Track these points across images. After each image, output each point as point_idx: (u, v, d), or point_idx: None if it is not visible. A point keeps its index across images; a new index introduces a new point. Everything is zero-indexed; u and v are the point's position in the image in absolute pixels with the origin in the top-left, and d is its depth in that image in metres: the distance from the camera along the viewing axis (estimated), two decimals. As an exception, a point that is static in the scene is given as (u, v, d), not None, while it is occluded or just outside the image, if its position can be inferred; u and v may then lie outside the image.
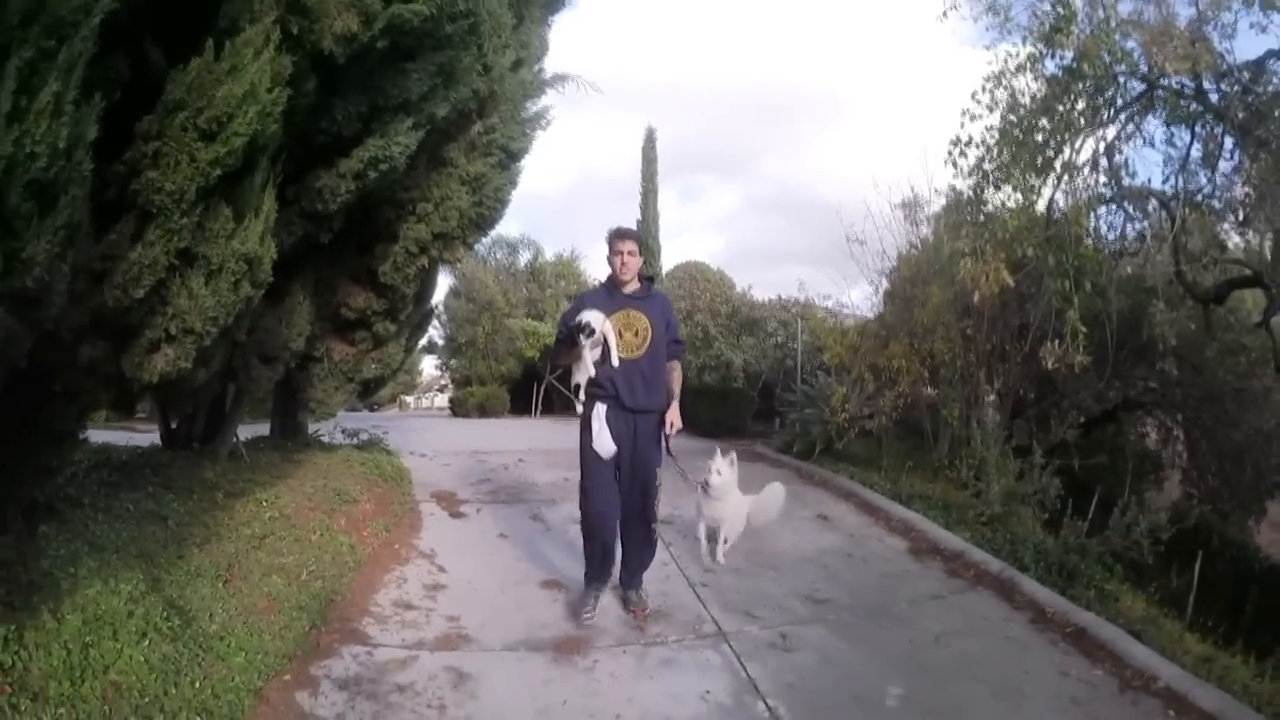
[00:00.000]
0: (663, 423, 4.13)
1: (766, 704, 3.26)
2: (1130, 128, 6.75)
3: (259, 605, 3.59)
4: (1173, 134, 6.88)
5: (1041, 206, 6.40)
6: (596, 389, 4.06)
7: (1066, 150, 6.23)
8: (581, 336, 3.89)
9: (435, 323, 18.52)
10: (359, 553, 4.74)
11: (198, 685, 2.83)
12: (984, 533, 5.58)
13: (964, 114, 6.46)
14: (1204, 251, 7.35)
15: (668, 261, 19.01)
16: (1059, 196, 6.38)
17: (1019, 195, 6.22)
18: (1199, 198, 6.76)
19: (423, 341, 11.83)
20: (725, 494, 4.94)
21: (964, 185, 6.79)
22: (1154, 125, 6.89)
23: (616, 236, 4.15)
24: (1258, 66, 6.07)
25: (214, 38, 2.87)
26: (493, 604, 4.27)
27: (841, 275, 11.09)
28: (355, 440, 7.96)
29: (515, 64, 6.04)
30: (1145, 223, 7.49)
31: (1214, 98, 6.27)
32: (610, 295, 4.17)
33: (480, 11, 4.13)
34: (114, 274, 2.74)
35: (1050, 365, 5.71)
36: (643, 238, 4.20)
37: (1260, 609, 6.33)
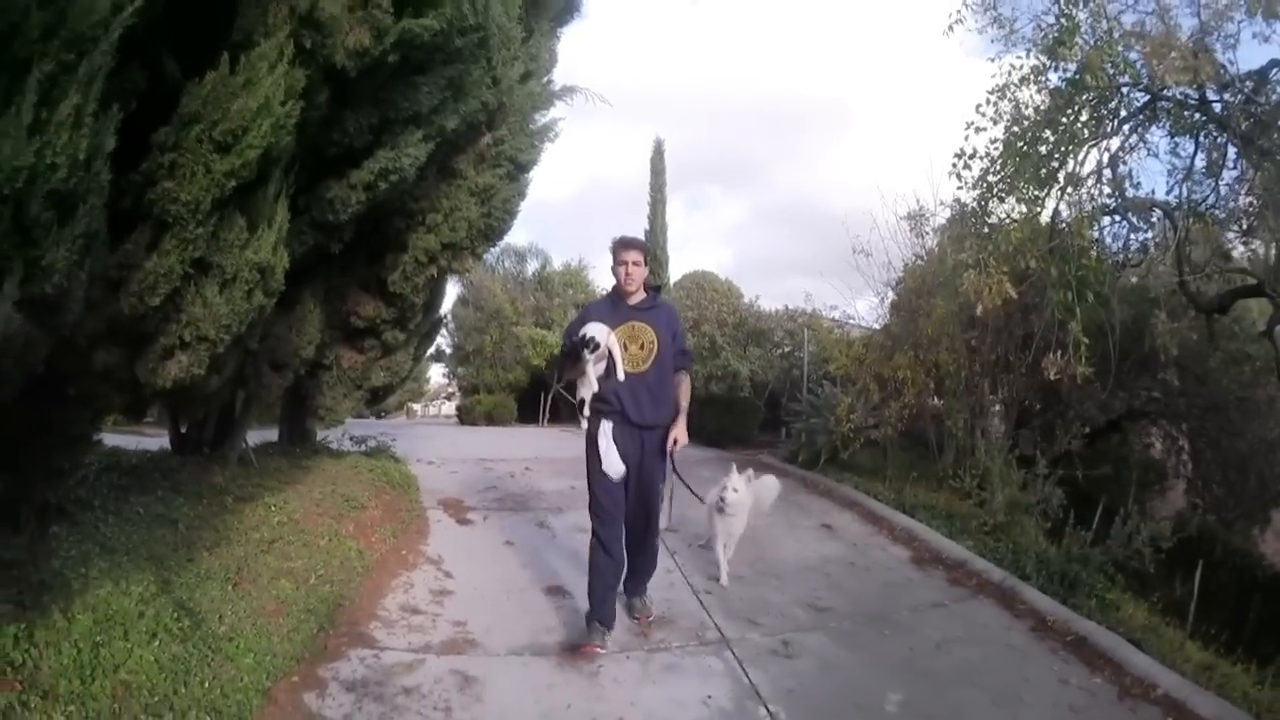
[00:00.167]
0: (668, 438, 4.00)
1: (768, 709, 3.30)
2: (1134, 139, 6.77)
3: (268, 608, 3.65)
4: (1177, 144, 6.90)
5: (1045, 218, 6.44)
6: (602, 404, 3.92)
7: (1070, 162, 6.26)
8: (586, 351, 3.77)
9: (443, 331, 18.59)
10: (367, 558, 4.79)
11: (207, 685, 2.89)
12: (987, 542, 5.62)
13: (968, 126, 6.52)
14: (1208, 261, 7.36)
15: (675, 272, 19.06)
16: (1063, 208, 6.41)
17: (1023, 207, 6.27)
18: (1203, 208, 6.77)
19: (430, 350, 11.89)
20: (740, 511, 4.87)
21: (968, 197, 6.86)
22: (1158, 136, 6.91)
23: (621, 246, 3.99)
24: (1260, 76, 6.07)
25: (229, 51, 2.94)
26: (498, 609, 4.32)
27: (848, 286, 11.17)
28: (363, 447, 8.02)
29: (524, 76, 6.11)
30: (1149, 233, 7.50)
31: (1218, 108, 6.30)
32: (615, 307, 4.04)
33: (489, 25, 4.20)
34: (130, 282, 2.81)
35: (1053, 376, 5.73)
36: (648, 247, 4.10)
37: (1263, 617, 6.34)
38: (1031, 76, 6.33)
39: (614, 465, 3.85)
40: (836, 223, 22.88)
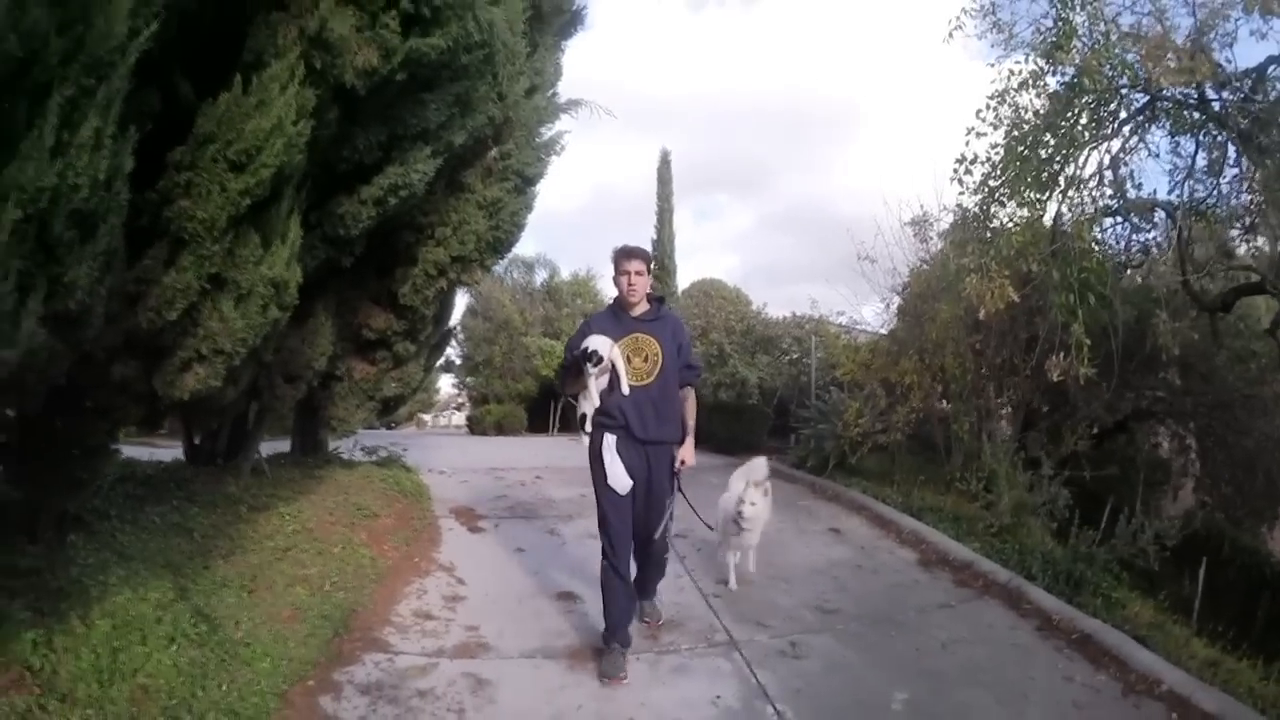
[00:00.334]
0: (675, 457, 3.88)
1: (775, 708, 3.35)
2: (1134, 140, 6.77)
3: (283, 614, 3.73)
4: (1178, 144, 6.92)
5: (1046, 221, 6.48)
6: (605, 418, 3.79)
7: (1071, 165, 6.30)
8: (589, 365, 3.65)
9: (453, 341, 18.74)
10: (380, 565, 4.87)
11: (224, 688, 2.96)
12: (993, 544, 5.65)
13: (969, 131, 6.57)
14: (1211, 260, 7.37)
15: (684, 280, 19.20)
16: (1064, 211, 6.45)
17: (1024, 211, 6.32)
18: (1204, 207, 6.79)
19: (440, 360, 12.00)
20: (757, 525, 4.78)
21: (970, 202, 6.91)
22: (1159, 136, 6.92)
23: (622, 255, 3.84)
24: (1259, 74, 6.07)
25: (240, 71, 3.04)
26: (510, 614, 4.38)
27: (853, 293, 11.21)
28: (374, 457, 8.10)
29: (529, 90, 6.22)
30: (1152, 233, 7.53)
31: (1217, 106, 6.32)
32: (617, 318, 3.88)
33: (494, 42, 4.28)
34: (148, 297, 2.90)
35: (1055, 378, 5.78)
36: (651, 255, 4.01)
37: (1271, 615, 6.33)
38: (1030, 81, 6.38)
39: (619, 479, 3.73)
40: (845, 228, 22.90)
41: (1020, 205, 6.38)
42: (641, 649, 3.91)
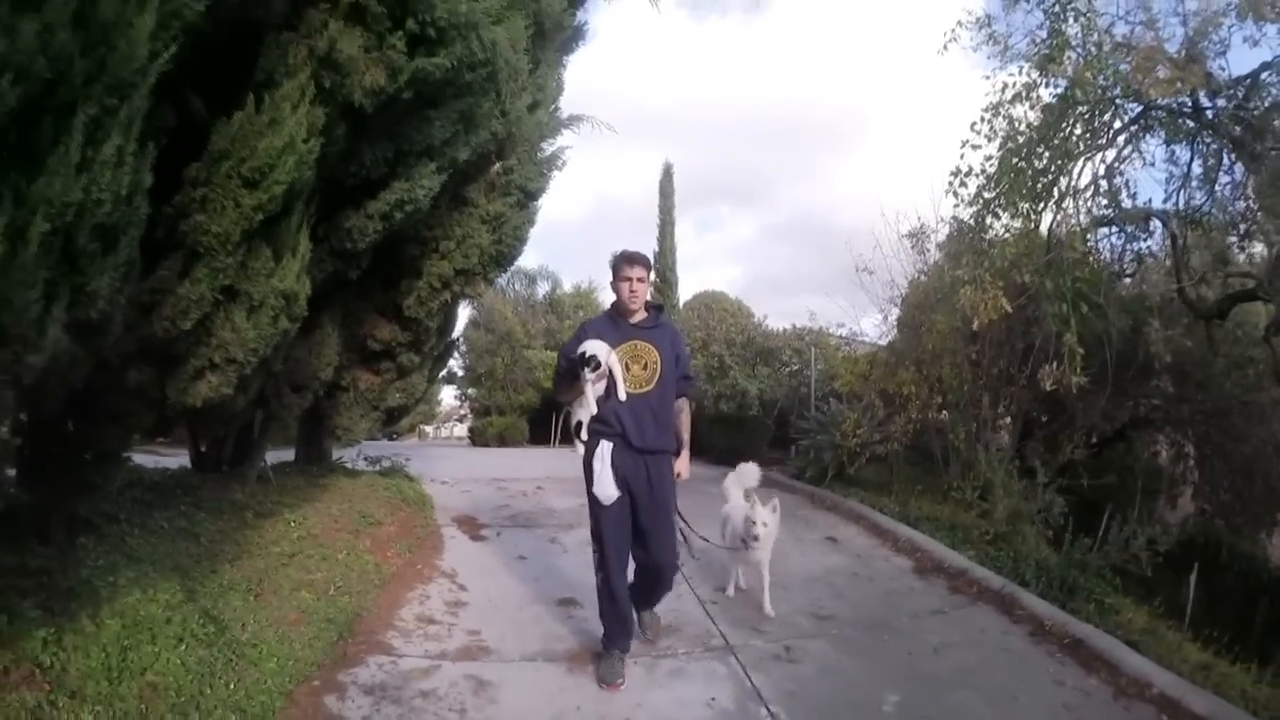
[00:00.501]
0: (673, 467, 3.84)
1: (769, 710, 3.43)
2: (1129, 150, 6.85)
3: (289, 617, 3.81)
4: (1173, 152, 7.00)
5: (1042, 232, 6.56)
6: (601, 426, 3.71)
7: (1065, 177, 6.40)
8: (587, 370, 3.56)
9: (455, 353, 18.84)
10: (384, 571, 4.95)
11: (232, 687, 3.04)
12: (988, 551, 5.72)
13: (963, 144, 6.68)
14: (1207, 267, 7.43)
15: (685, 292, 19.29)
16: (1058, 221, 6.53)
17: (1018, 222, 6.41)
18: (1200, 214, 6.85)
19: (443, 372, 12.12)
20: (768, 543, 4.66)
21: (965, 214, 7.01)
22: (1154, 144, 7.01)
23: (623, 261, 3.78)
24: (1253, 80, 6.14)
25: (253, 90, 3.15)
26: (511, 619, 4.46)
27: (852, 305, 11.29)
28: (378, 467, 8.20)
29: (532, 106, 6.34)
30: (1148, 242, 7.60)
31: (1210, 114, 6.40)
32: (615, 325, 3.81)
33: (497, 61, 4.37)
34: (163, 306, 3.00)
35: (1048, 386, 5.86)
36: (652, 263, 3.92)
37: (1269, 620, 6.37)
38: (1024, 93, 6.48)
39: (605, 487, 3.65)
40: (846, 239, 23.00)
41: (1014, 217, 6.48)
42: (639, 652, 3.98)
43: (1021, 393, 7.32)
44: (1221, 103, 6.25)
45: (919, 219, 9.92)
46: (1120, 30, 6.47)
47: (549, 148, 7.12)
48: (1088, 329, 6.14)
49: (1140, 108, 6.43)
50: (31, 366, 2.18)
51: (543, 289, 23.59)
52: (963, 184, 6.77)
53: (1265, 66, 6.01)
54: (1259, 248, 7.37)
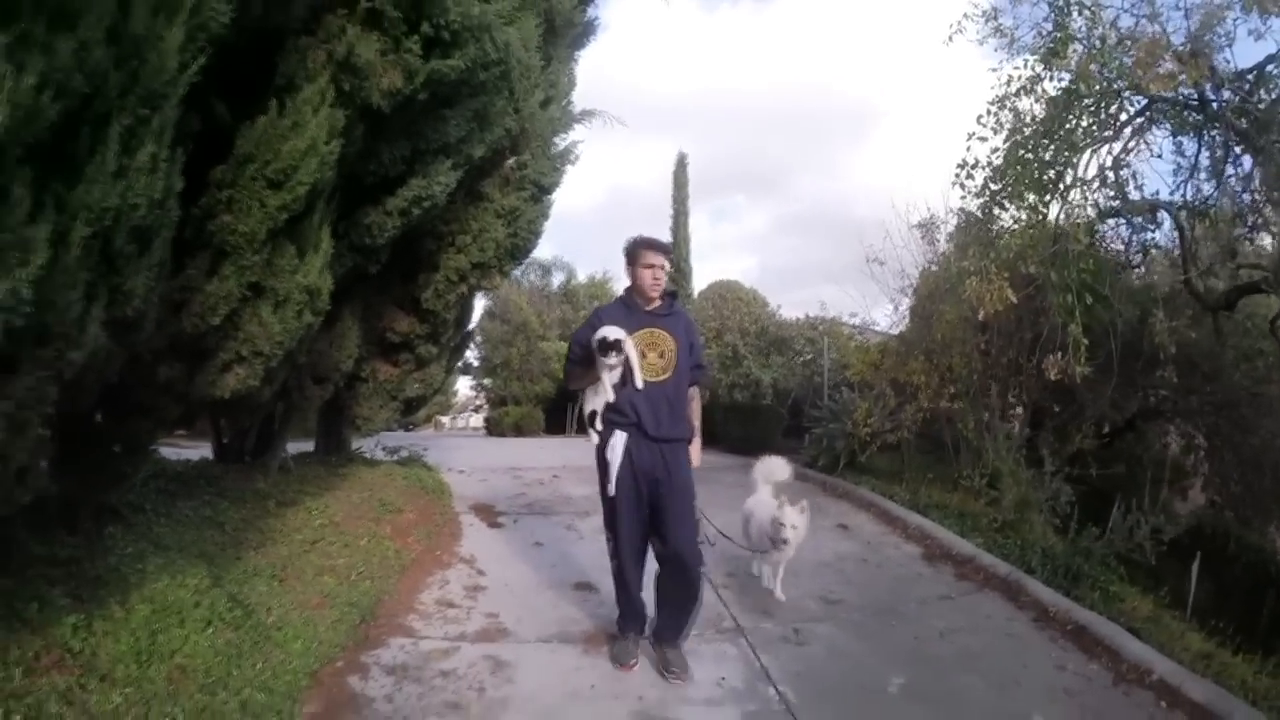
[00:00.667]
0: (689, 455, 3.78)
1: (776, 689, 3.54)
2: (1135, 142, 6.81)
3: (313, 601, 3.95)
4: (1181, 143, 6.97)
5: (1048, 224, 6.59)
6: (616, 416, 3.64)
7: (1070, 171, 6.42)
8: (611, 354, 3.47)
9: (471, 344, 18.98)
10: (404, 557, 5.10)
11: (259, 667, 3.16)
12: (996, 539, 5.80)
13: (970, 137, 6.72)
14: (1215, 259, 7.42)
15: (700, 282, 19.32)
16: (1063, 214, 6.56)
17: (1023, 214, 6.45)
18: (1207, 206, 6.84)
19: (459, 362, 12.27)
20: (795, 541, 4.58)
21: (972, 205, 7.05)
22: (1161, 136, 6.98)
23: (645, 247, 3.69)
24: (1259, 73, 6.10)
25: (274, 94, 3.27)
26: (528, 603, 4.59)
27: (862, 295, 11.34)
28: (396, 456, 8.37)
29: (544, 102, 6.45)
30: (1156, 233, 7.61)
31: (1216, 107, 6.39)
32: (630, 312, 3.72)
33: (510, 60, 4.47)
34: (192, 303, 3.13)
35: (1053, 376, 5.92)
36: (672, 249, 3.59)
37: (1276, 613, 6.39)
38: (1029, 86, 6.50)
39: (613, 480, 3.62)
40: (861, 228, 22.98)
41: (1020, 208, 6.51)
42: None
43: (1031, 382, 7.36)
44: (1227, 95, 6.23)
45: (929, 210, 9.93)
46: (1126, 23, 6.43)
47: (562, 142, 7.23)
48: (1094, 320, 6.17)
49: (1145, 101, 6.41)
50: (73, 363, 2.31)
51: (557, 279, 23.69)
52: (969, 176, 6.80)
53: (1270, 59, 5.99)
54: (1268, 240, 7.37)
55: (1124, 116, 6.52)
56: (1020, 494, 6.19)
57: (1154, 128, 6.72)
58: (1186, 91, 6.23)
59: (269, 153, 3.09)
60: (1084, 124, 6.37)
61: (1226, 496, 8.60)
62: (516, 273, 21.28)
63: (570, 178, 7.56)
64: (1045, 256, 6.17)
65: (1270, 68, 5.99)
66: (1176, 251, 7.46)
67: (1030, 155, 6.39)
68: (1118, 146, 6.63)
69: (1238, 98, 6.17)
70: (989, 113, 6.65)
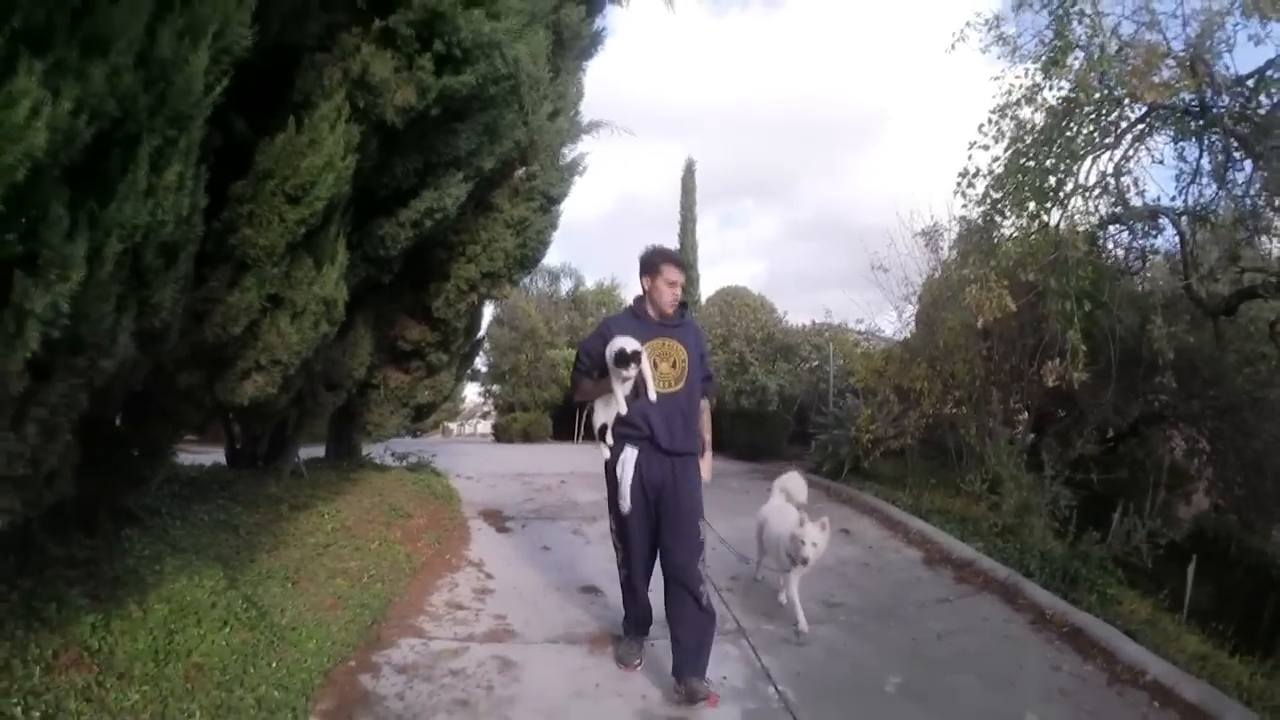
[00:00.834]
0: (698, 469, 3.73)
1: (776, 689, 3.64)
2: (1135, 149, 6.86)
3: (325, 603, 4.06)
4: (1182, 149, 7.00)
5: (1049, 230, 6.67)
6: (628, 429, 3.59)
7: (1070, 179, 6.49)
8: (631, 365, 3.39)
9: (480, 351, 19.06)
10: (414, 561, 5.21)
11: (274, 666, 3.27)
12: (995, 543, 5.88)
13: (971, 145, 6.81)
14: (1216, 264, 7.45)
15: (708, 288, 19.38)
16: (1063, 221, 6.63)
17: (1024, 222, 6.53)
18: (1208, 211, 6.89)
19: (469, 369, 12.38)
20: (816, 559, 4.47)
21: (973, 214, 7.14)
22: (1162, 142, 7.03)
23: (665, 260, 3.66)
24: (1259, 78, 6.13)
25: (291, 111, 3.38)
26: (536, 606, 4.70)
27: (866, 302, 11.42)
28: (405, 462, 8.48)
29: (553, 114, 6.56)
30: (1158, 239, 7.64)
31: (1215, 112, 6.45)
32: (640, 322, 3.68)
33: (520, 74, 4.57)
34: (213, 314, 3.25)
35: (1051, 382, 5.99)
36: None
37: (1277, 615, 6.43)
38: (1029, 95, 6.59)
39: (624, 499, 3.59)
40: (868, 235, 23.01)
41: (1021, 216, 6.59)
42: (656, 635, 4.11)
43: (1033, 388, 7.42)
44: (1227, 101, 6.28)
45: (932, 217, 10.01)
46: (1126, 30, 6.50)
47: (570, 153, 7.37)
48: (1094, 326, 6.24)
49: (1145, 108, 6.47)
50: (103, 371, 2.42)
51: (565, 286, 23.78)
52: (970, 185, 6.90)
53: (1270, 64, 6.02)
54: (1270, 243, 7.40)
55: (1124, 123, 6.59)
56: (1021, 499, 6.26)
57: (1155, 134, 6.77)
58: (1187, 97, 6.28)
59: (288, 168, 3.21)
60: (1084, 131, 6.45)
61: (1230, 500, 8.63)
62: (525, 280, 21.40)
63: (579, 186, 7.64)
64: (1045, 264, 6.24)
65: (1270, 73, 6.03)
66: (1177, 257, 7.50)
67: (1031, 163, 6.48)
68: (1118, 153, 6.70)
69: (1237, 104, 6.23)
70: (990, 121, 6.75)
